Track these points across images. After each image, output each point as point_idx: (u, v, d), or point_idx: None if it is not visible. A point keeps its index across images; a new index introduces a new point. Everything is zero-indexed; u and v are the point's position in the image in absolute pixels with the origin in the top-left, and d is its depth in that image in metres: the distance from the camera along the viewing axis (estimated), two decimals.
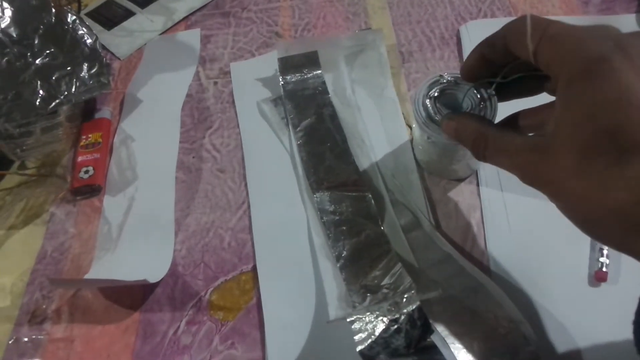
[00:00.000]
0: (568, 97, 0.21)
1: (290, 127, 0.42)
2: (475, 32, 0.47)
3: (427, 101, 0.33)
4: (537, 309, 0.32)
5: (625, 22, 0.46)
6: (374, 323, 0.30)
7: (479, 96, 0.31)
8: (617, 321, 0.25)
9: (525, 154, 0.23)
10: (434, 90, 0.33)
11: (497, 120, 0.30)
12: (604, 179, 0.19)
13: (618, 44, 0.20)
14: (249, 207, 0.40)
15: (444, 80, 0.33)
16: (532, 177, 0.23)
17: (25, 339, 0.36)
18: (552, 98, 0.23)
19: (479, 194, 0.38)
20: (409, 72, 0.46)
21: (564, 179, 0.21)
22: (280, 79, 0.45)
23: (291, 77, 0.45)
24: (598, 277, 0.33)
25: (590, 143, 0.20)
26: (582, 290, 0.33)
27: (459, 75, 0.31)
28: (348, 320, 0.30)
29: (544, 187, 0.23)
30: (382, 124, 0.43)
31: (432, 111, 0.33)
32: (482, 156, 0.26)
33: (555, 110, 0.21)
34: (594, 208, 0.20)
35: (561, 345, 0.31)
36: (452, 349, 0.29)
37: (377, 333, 0.30)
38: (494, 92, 0.30)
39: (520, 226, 0.36)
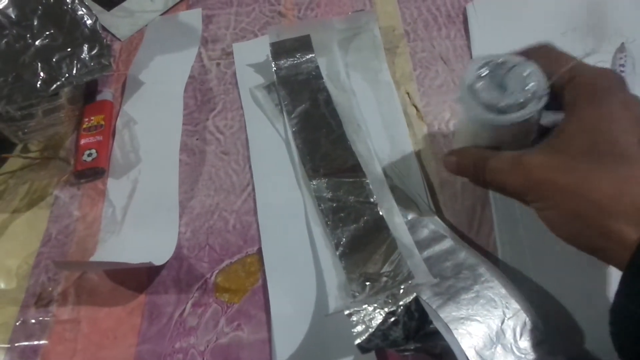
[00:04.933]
0: (576, 113, 0.26)
1: (284, 114, 0.42)
2: (483, 10, 0.46)
3: (478, 83, 0.29)
4: (545, 290, 0.32)
5: None
6: (372, 315, 0.30)
7: (530, 87, 0.28)
8: None
9: (520, 161, 0.27)
10: (484, 70, 0.29)
11: None
12: (593, 176, 0.24)
13: (619, 82, 0.26)
14: (253, 189, 0.40)
15: (497, 61, 0.29)
16: (524, 180, 0.27)
17: (32, 321, 0.37)
18: None
19: None
20: (414, 52, 0.46)
21: (556, 175, 0.25)
22: (273, 65, 0.44)
23: (284, 62, 0.44)
24: None
25: (586, 148, 0.25)
26: (592, 273, 0.33)
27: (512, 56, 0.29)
28: (346, 313, 0.30)
29: (535, 187, 0.26)
30: (378, 108, 0.42)
31: (484, 94, 0.29)
32: (481, 179, 0.30)
33: (561, 123, 0.27)
34: (578, 199, 0.24)
35: (568, 329, 0.31)
36: (455, 335, 0.29)
37: (374, 325, 0.29)
38: (547, 90, 0.28)
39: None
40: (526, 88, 0.28)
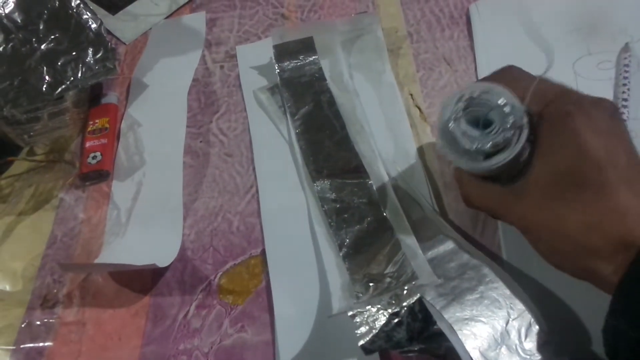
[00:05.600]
0: (542, 146, 0.26)
1: (288, 115, 0.42)
2: (486, 11, 0.46)
3: (455, 127, 0.27)
4: (550, 291, 0.32)
5: None
6: (375, 316, 0.30)
7: (509, 120, 0.26)
8: None
9: (500, 196, 0.28)
10: (459, 110, 0.27)
11: None
12: (561, 212, 0.24)
13: (580, 105, 0.25)
14: (257, 191, 0.40)
15: (469, 96, 0.27)
16: (506, 215, 0.28)
17: (38, 323, 0.37)
18: None
19: None
20: (417, 53, 0.46)
21: (532, 214, 0.26)
22: (276, 67, 0.44)
23: (287, 65, 0.44)
24: None
25: (553, 183, 0.25)
26: None
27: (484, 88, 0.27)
28: (349, 314, 0.30)
29: (516, 222, 0.27)
30: (381, 110, 0.42)
31: (465, 141, 0.27)
32: (467, 200, 0.31)
33: (534, 156, 0.26)
34: (554, 236, 0.25)
35: (573, 330, 0.31)
36: (460, 336, 0.29)
37: (378, 327, 0.29)
38: (526, 121, 0.26)
39: None
40: (506, 120, 0.26)
